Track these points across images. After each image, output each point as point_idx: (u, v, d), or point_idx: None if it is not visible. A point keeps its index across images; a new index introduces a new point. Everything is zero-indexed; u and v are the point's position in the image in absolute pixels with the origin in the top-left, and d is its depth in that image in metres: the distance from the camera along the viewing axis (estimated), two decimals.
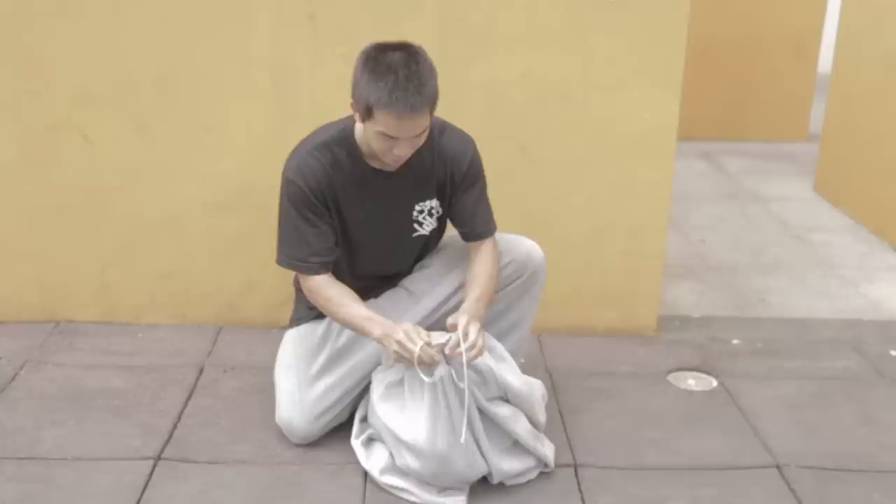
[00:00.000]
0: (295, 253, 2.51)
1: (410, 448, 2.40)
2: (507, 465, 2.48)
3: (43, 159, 3.19)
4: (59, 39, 3.07)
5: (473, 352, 2.32)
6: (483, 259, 2.58)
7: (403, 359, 2.34)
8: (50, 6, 3.03)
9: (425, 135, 2.38)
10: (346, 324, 2.54)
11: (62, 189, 3.22)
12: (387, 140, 2.32)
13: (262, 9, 3.05)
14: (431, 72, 2.31)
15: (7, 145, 3.18)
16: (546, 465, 2.56)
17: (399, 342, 2.31)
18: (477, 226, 2.61)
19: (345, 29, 3.06)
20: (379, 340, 2.41)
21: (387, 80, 2.23)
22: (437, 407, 2.36)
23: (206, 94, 3.14)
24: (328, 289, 2.52)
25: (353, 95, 2.33)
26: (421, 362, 2.30)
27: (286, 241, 2.53)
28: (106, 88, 3.12)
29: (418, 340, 2.30)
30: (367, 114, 2.29)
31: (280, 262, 2.55)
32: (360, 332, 2.51)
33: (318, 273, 2.51)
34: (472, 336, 2.32)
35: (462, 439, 2.34)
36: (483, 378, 2.43)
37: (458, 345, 2.30)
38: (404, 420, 2.42)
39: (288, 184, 2.47)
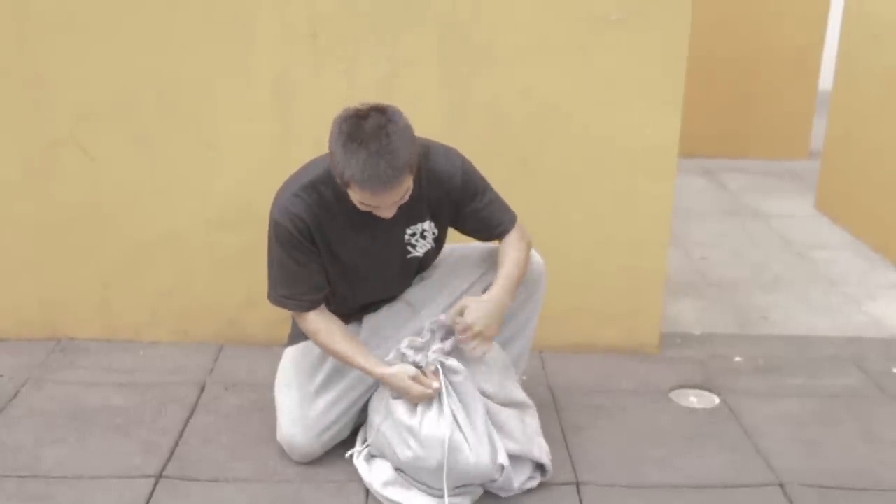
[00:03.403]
0: (285, 291, 2.54)
1: (415, 434, 2.43)
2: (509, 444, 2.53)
3: (44, 176, 3.20)
4: (61, 57, 3.08)
5: (468, 335, 2.46)
6: (506, 248, 2.61)
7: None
8: (52, 23, 3.05)
9: (408, 194, 2.37)
10: (340, 360, 2.59)
11: (63, 205, 3.23)
12: (369, 207, 2.34)
13: (264, 26, 3.06)
14: (404, 138, 2.26)
15: (9, 161, 3.18)
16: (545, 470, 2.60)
17: (412, 395, 2.46)
18: (493, 229, 2.63)
19: (346, 47, 3.07)
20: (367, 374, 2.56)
21: (358, 157, 2.20)
22: (445, 397, 2.45)
23: (207, 110, 3.15)
24: (318, 323, 2.55)
25: (331, 162, 2.31)
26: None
27: (276, 279, 2.55)
28: (107, 105, 3.13)
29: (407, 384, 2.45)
30: (345, 185, 2.30)
31: (270, 298, 2.57)
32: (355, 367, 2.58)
33: (308, 310, 2.55)
34: (468, 320, 2.45)
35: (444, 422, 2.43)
36: (489, 368, 2.57)
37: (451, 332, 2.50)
38: (412, 411, 2.48)
39: (275, 225, 2.47)
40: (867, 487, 2.63)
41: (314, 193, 2.46)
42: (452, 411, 2.44)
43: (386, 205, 2.33)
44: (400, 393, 2.47)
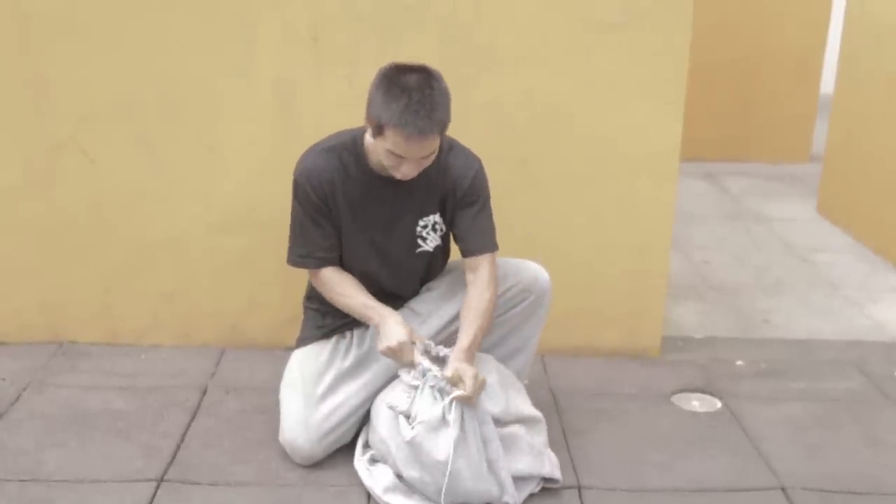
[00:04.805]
0: (301, 250, 2.62)
1: (417, 458, 2.42)
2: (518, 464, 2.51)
3: (46, 179, 3.19)
4: (63, 60, 3.08)
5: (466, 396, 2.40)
6: (475, 289, 2.58)
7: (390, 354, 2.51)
8: (53, 25, 3.04)
9: (433, 156, 2.43)
10: (350, 312, 2.63)
11: (65, 209, 3.22)
12: (395, 158, 2.38)
13: (266, 30, 3.06)
14: (444, 97, 2.35)
15: (11, 165, 3.18)
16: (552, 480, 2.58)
17: (389, 349, 2.48)
18: (470, 242, 2.63)
19: (347, 50, 3.07)
20: (376, 328, 2.56)
21: (399, 102, 2.28)
22: (446, 421, 2.41)
23: (209, 114, 3.15)
24: (332, 279, 2.63)
25: (367, 112, 2.38)
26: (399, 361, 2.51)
27: (294, 240, 2.63)
28: (109, 108, 3.13)
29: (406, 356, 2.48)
30: (378, 131, 2.35)
31: (289, 261, 2.65)
32: (362, 320, 2.62)
33: (321, 266, 2.62)
34: (467, 384, 2.40)
35: (448, 461, 2.38)
36: (493, 390, 2.54)
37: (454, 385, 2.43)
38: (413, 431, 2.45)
39: (295, 184, 2.56)
40: (869, 491, 2.62)
41: (335, 158, 2.54)
42: (455, 439, 2.41)
43: (414, 157, 2.37)
44: (385, 343, 2.48)
